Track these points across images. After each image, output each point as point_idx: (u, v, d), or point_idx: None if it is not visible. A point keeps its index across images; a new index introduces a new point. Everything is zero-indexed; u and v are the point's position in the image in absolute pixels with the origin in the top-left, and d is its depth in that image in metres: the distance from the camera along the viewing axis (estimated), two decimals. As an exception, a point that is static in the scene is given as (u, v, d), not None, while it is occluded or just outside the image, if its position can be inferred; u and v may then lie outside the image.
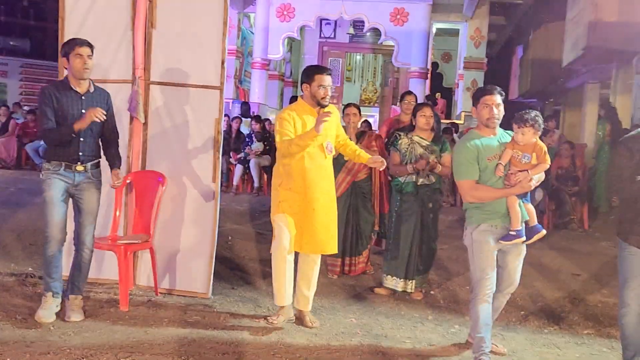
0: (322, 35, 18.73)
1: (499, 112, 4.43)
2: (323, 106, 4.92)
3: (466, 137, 4.60)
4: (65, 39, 5.61)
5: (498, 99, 4.45)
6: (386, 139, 6.79)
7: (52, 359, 4.08)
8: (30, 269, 6.09)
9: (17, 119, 15.37)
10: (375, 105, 19.90)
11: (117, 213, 5.58)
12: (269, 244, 6.92)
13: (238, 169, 12.10)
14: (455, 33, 17.90)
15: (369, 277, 6.71)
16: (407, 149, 5.95)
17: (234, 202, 10.49)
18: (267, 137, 12.41)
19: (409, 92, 7.49)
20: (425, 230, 5.99)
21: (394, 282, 6.06)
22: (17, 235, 7.36)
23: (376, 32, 16.24)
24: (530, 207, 4.53)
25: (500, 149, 4.44)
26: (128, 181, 5.65)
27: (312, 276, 5.17)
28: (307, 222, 4.96)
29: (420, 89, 14.87)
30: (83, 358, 4.12)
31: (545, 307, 6.00)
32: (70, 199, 4.90)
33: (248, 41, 17.93)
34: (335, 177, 6.00)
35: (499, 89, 4.51)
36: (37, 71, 21.07)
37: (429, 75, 16.81)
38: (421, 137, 5.95)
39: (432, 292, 6.32)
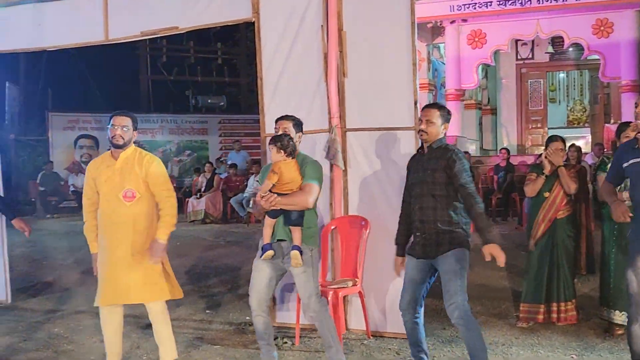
0: (518, 57, 18.57)
1: None
2: (115, 145, 4.93)
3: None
4: (265, 96, 6.33)
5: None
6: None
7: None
8: (247, 317, 6.73)
9: (220, 174, 16.87)
10: (586, 125, 19.22)
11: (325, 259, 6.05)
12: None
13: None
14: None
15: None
16: None
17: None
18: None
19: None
20: None
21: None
22: (231, 287, 8.18)
23: (578, 47, 15.88)
24: (295, 228, 4.83)
25: None
26: (333, 227, 6.13)
27: (156, 326, 5.06)
28: (109, 271, 4.95)
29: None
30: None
31: None
32: None
33: (440, 72, 18.22)
34: (536, 215, 6.16)
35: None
36: (234, 125, 22.61)
37: (646, 87, 16.02)
38: None
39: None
